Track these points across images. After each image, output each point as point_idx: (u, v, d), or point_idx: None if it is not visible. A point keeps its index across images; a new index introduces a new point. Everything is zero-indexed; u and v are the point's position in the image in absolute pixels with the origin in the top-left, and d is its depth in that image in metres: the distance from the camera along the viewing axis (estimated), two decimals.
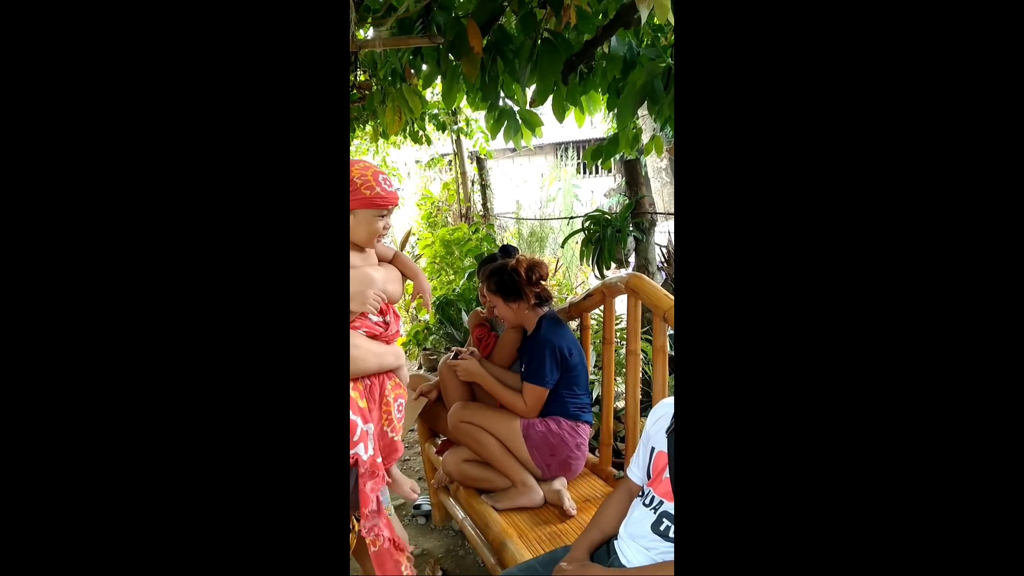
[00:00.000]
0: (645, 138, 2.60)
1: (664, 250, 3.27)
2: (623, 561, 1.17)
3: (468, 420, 1.84)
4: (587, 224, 2.53)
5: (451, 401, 1.97)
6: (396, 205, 1.40)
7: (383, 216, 1.35)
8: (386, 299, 1.38)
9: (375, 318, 1.35)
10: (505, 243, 2.05)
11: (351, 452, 1.25)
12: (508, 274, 1.82)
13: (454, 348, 2.12)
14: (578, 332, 2.15)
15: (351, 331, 1.30)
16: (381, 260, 1.48)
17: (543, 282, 1.85)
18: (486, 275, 1.90)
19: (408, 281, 1.53)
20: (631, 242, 2.46)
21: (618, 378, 2.45)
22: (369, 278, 1.37)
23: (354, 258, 1.38)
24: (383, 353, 1.36)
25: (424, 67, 1.88)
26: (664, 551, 1.11)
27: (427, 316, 3.83)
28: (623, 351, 2.19)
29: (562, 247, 4.78)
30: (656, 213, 2.56)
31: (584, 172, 9.32)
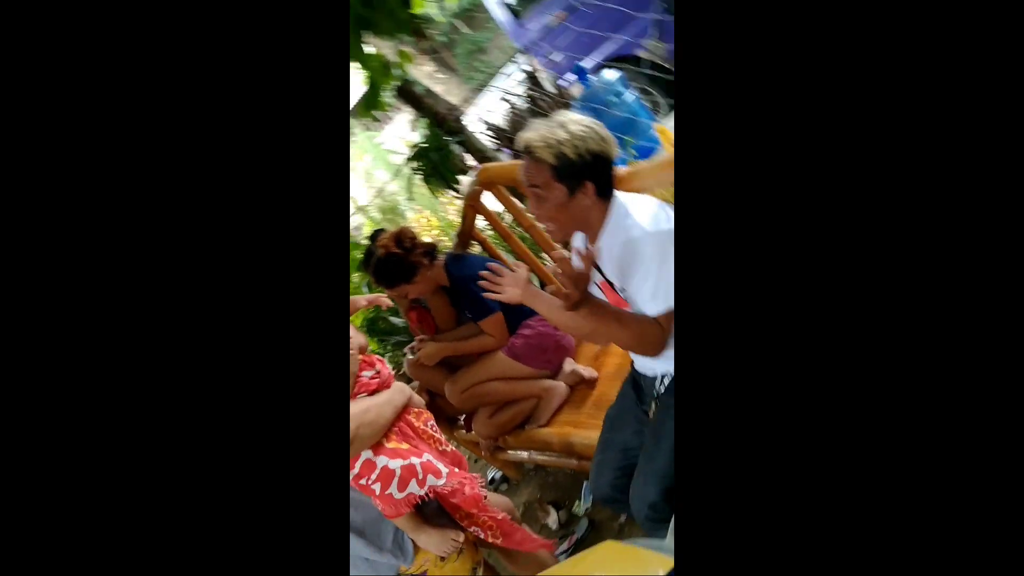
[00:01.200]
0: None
1: (490, 131, 3.28)
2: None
3: (464, 387, 1.87)
4: (414, 166, 2.50)
5: (440, 387, 1.99)
6: None
7: None
8: (361, 352, 1.36)
9: (367, 374, 1.33)
10: (372, 232, 2.00)
11: (422, 491, 1.24)
12: (385, 263, 1.80)
13: (404, 349, 2.11)
14: (484, 252, 2.18)
15: (353, 402, 1.28)
16: None
17: (417, 241, 1.84)
18: (374, 278, 1.87)
19: None
20: (457, 149, 2.46)
21: (542, 257, 2.52)
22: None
23: None
24: (390, 399, 1.34)
25: None
26: None
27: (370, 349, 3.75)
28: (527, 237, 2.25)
29: (411, 200, 4.70)
30: (454, 109, 2.55)
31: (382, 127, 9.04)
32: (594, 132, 1.16)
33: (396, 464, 1.22)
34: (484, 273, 1.20)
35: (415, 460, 1.26)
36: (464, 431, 2.20)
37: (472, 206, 1.92)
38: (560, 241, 1.31)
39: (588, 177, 1.16)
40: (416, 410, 1.42)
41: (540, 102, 3.23)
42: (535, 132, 1.16)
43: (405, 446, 1.30)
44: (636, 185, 1.34)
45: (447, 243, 3.17)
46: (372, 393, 1.33)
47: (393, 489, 1.18)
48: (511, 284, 1.17)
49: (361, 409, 1.25)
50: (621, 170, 1.34)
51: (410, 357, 2.00)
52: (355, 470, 1.19)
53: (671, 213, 1.20)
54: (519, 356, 1.83)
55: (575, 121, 1.17)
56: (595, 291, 1.33)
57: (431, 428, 1.42)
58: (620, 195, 1.24)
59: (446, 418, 2.26)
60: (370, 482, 1.18)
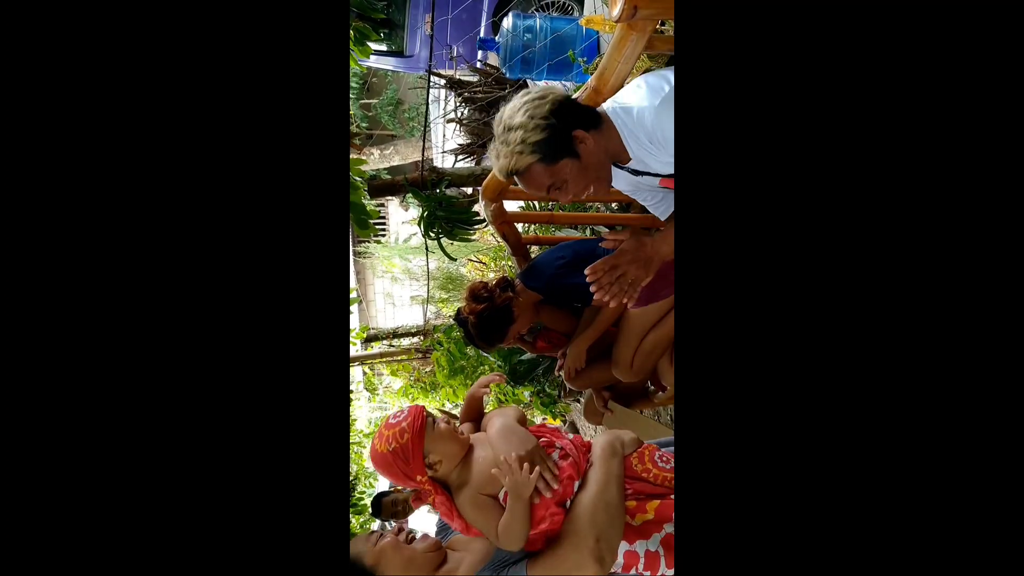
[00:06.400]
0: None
1: (461, 155, 3.25)
2: None
3: (627, 360, 1.80)
4: (431, 234, 2.49)
5: (609, 379, 1.93)
6: None
7: None
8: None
9: (554, 455, 1.06)
10: (455, 315, 2.01)
11: None
12: (482, 323, 1.78)
13: (555, 372, 2.08)
14: (538, 250, 2.13)
15: (571, 510, 1.00)
16: None
17: (490, 285, 1.82)
18: (485, 342, 1.85)
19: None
20: (452, 191, 2.44)
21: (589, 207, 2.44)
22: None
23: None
24: (607, 472, 1.05)
25: None
26: None
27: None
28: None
29: (455, 260, 4.73)
30: (421, 163, 2.54)
31: (382, 220, 9.24)
32: (531, 100, 1.13)
33: (655, 544, 1.00)
34: (591, 282, 1.22)
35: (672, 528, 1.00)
36: (660, 393, 2.13)
37: (501, 222, 1.88)
38: (607, 192, 1.30)
39: (570, 130, 1.13)
40: (638, 452, 1.13)
41: (479, 95, 3.17)
42: (497, 160, 1.15)
43: (651, 514, 1.03)
44: (612, 82, 1.25)
45: (512, 264, 3.15)
46: (583, 478, 1.03)
47: (664, 571, 0.99)
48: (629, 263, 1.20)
49: (588, 512, 0.97)
50: (590, 86, 1.27)
51: (563, 376, 1.96)
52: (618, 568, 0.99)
53: (653, 78, 1.16)
54: (647, 298, 1.74)
55: (510, 114, 1.14)
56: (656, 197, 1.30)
57: (660, 460, 1.11)
58: (608, 106, 1.19)
59: (639, 394, 2.20)
60: (639, 570, 1.00)
